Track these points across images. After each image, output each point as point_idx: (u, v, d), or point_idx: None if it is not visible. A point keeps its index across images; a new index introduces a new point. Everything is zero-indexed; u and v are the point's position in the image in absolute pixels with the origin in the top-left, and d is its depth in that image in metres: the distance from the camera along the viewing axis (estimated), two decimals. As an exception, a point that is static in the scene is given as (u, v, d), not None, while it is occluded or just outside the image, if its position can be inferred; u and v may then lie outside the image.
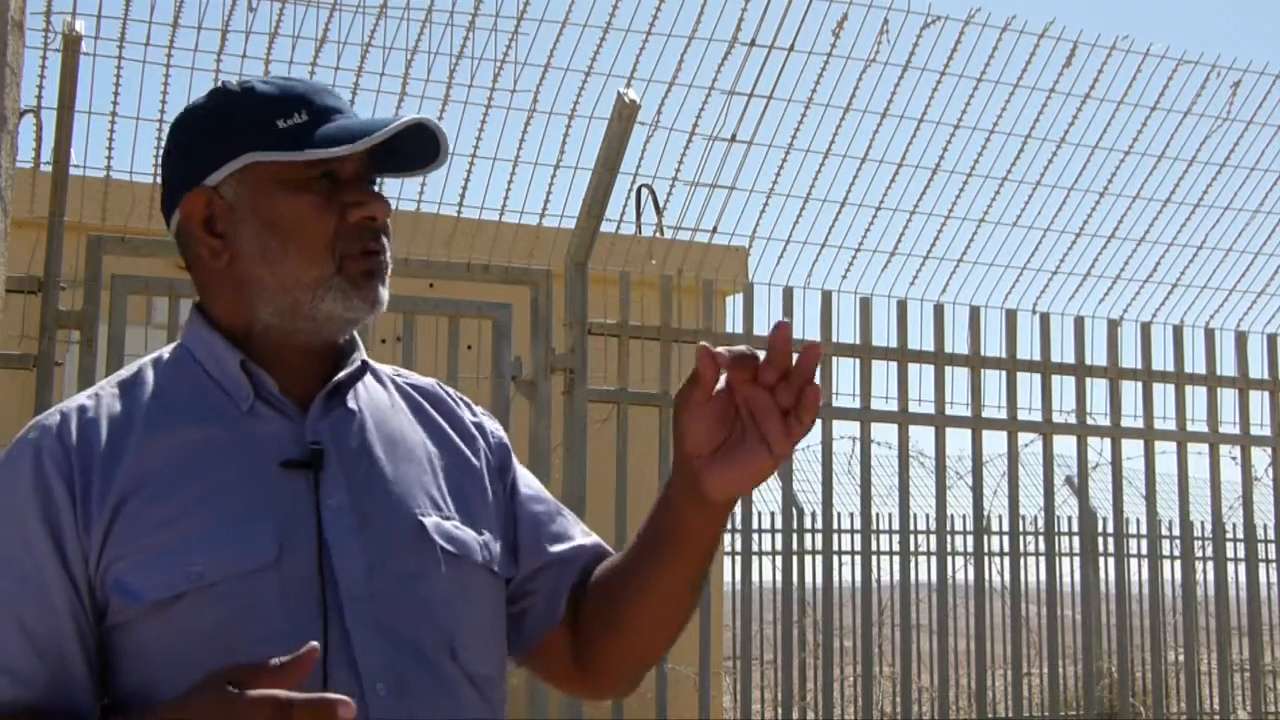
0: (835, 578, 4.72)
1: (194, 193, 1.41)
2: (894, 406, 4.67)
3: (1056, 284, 4.98)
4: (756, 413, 1.28)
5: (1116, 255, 5.03)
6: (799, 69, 4.28)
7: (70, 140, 3.71)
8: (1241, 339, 5.26)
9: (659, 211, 5.19)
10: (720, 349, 1.27)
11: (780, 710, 4.75)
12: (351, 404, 1.42)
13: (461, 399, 1.57)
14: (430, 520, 1.39)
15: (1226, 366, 5.22)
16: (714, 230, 4.46)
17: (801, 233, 4.52)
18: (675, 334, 4.35)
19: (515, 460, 1.56)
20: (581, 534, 1.56)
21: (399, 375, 1.54)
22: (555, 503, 1.58)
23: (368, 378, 1.48)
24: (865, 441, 4.62)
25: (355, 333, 1.47)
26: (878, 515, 8.81)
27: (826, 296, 4.58)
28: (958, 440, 14.97)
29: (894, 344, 4.69)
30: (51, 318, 3.73)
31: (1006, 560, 6.19)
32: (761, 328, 4.49)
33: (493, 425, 1.56)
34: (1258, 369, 5.29)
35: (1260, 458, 5.49)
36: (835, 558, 4.76)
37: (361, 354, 1.46)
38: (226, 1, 3.77)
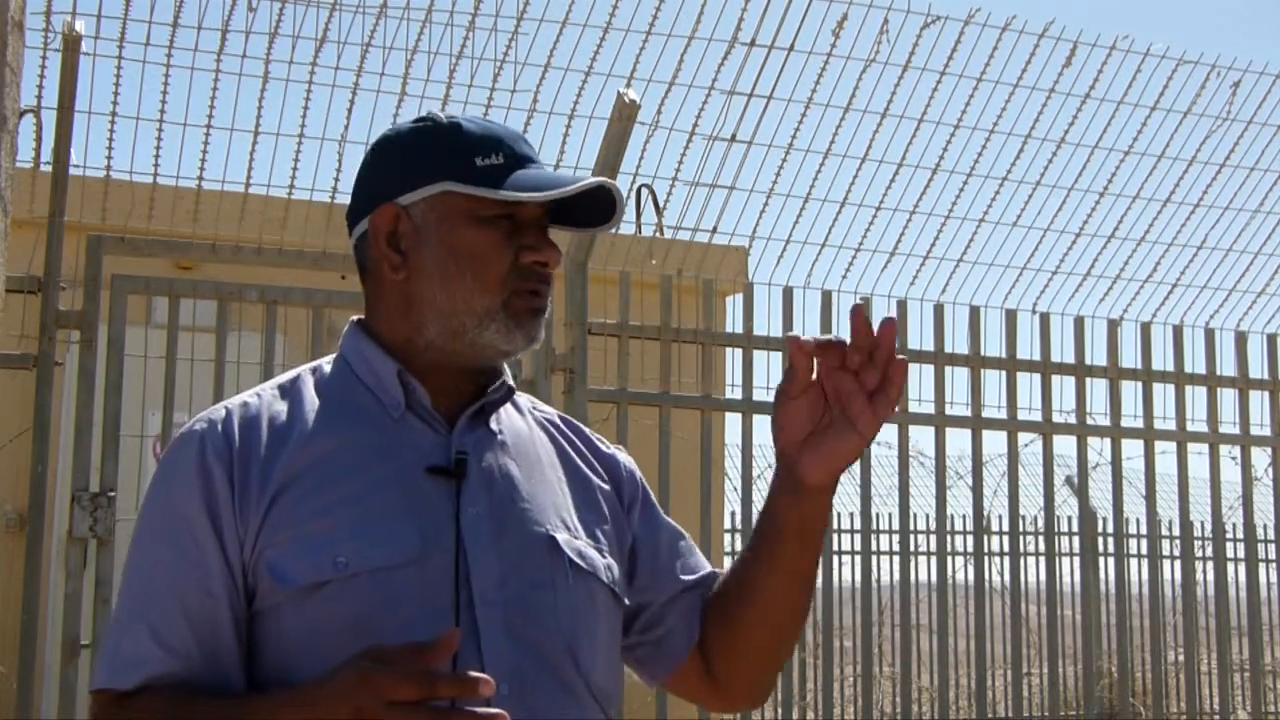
0: (835, 577, 4.72)
1: (385, 207, 1.49)
2: (894, 406, 4.67)
3: (1056, 284, 4.99)
4: (844, 397, 1.40)
5: (1116, 255, 5.04)
6: (799, 69, 4.29)
7: (70, 140, 3.71)
8: (1241, 339, 5.26)
9: (659, 211, 5.18)
10: (807, 337, 1.39)
11: (780, 710, 4.75)
12: (493, 425, 1.51)
13: (593, 434, 1.66)
14: (561, 536, 1.47)
15: (1226, 366, 5.23)
16: (714, 230, 4.47)
17: (801, 233, 4.53)
18: (675, 334, 4.35)
19: (647, 493, 1.65)
20: (708, 561, 1.67)
21: (536, 407, 1.63)
22: (682, 532, 1.67)
23: (508, 403, 1.57)
24: (865, 441, 4.61)
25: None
26: (878, 515, 8.81)
27: (826, 296, 4.58)
28: (958, 440, 14.98)
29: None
30: (51, 318, 3.73)
31: (1006, 560, 6.18)
32: (761, 328, 4.49)
33: (625, 459, 1.65)
34: (1258, 369, 5.29)
35: (1260, 458, 5.50)
36: (835, 557, 4.77)
37: (508, 379, 1.54)
38: (226, 1, 3.77)
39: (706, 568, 1.64)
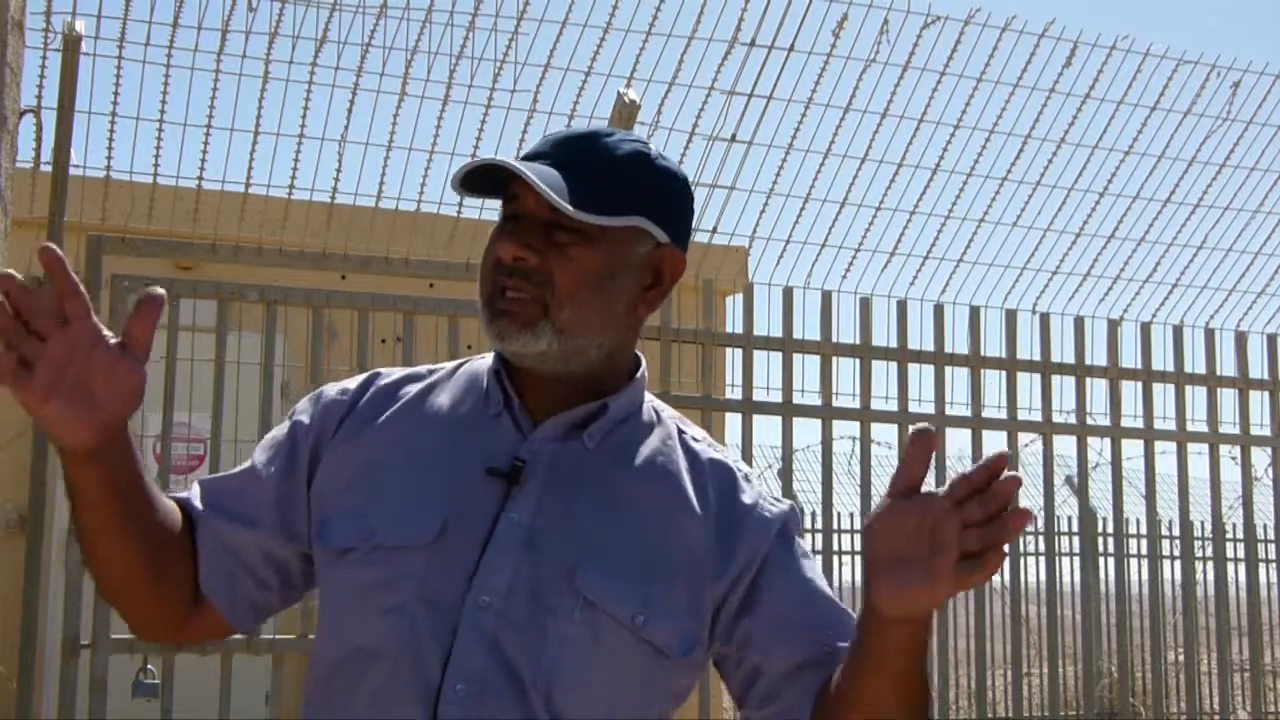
0: (835, 578, 4.72)
1: None
2: (894, 406, 4.67)
3: (1056, 284, 4.99)
4: (938, 540, 1.20)
5: (1116, 255, 5.04)
6: (799, 69, 4.29)
7: (70, 140, 3.71)
8: (1241, 339, 5.26)
9: (659, 211, 5.18)
10: (924, 426, 1.22)
11: (780, 710, 4.75)
12: (590, 442, 1.47)
13: (760, 490, 1.54)
14: (591, 568, 1.39)
15: (1226, 366, 5.23)
16: (714, 230, 4.47)
17: (801, 233, 4.53)
18: (675, 334, 4.35)
19: (791, 549, 1.50)
20: (842, 634, 1.45)
21: (699, 441, 1.55)
22: (825, 595, 1.50)
23: (641, 426, 1.51)
24: (865, 441, 4.63)
25: (640, 379, 1.53)
26: (878, 515, 8.81)
27: (826, 296, 4.58)
28: (958, 440, 14.97)
29: (894, 344, 4.69)
30: (51, 318, 3.73)
31: (1006, 560, 6.18)
32: (761, 328, 4.49)
33: (775, 521, 1.50)
34: (1258, 369, 5.29)
35: (1260, 458, 5.49)
36: (835, 558, 4.76)
37: (624, 400, 1.50)
38: (226, 1, 3.77)
39: (836, 641, 1.43)
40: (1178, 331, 5.13)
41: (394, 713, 1.35)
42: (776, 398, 4.50)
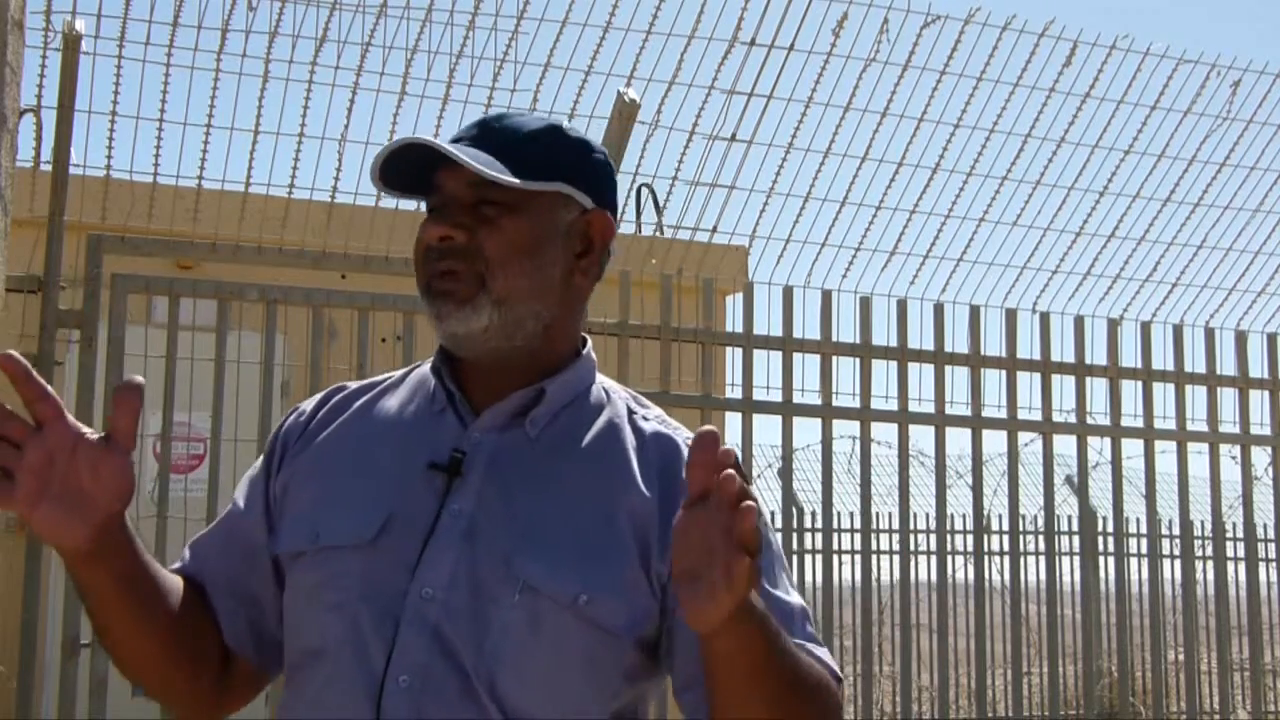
0: (835, 577, 4.72)
1: None
2: (894, 406, 4.68)
3: (1056, 283, 4.99)
4: (715, 549, 1.15)
5: (1116, 255, 5.04)
6: (799, 68, 4.29)
7: (70, 140, 3.71)
8: (1241, 338, 5.27)
9: (659, 211, 5.19)
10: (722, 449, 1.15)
11: (780, 710, 4.74)
12: (532, 430, 1.47)
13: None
14: (530, 553, 1.39)
15: (1226, 366, 5.23)
16: (714, 230, 4.47)
17: (801, 232, 4.53)
18: (675, 334, 4.35)
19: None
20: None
21: (649, 419, 1.53)
22: (786, 616, 1.42)
23: (588, 408, 1.51)
24: (865, 441, 4.63)
25: (583, 362, 1.53)
26: (878, 515, 8.81)
27: (826, 296, 4.58)
28: (958, 440, 14.95)
29: (894, 343, 4.69)
30: (51, 317, 3.73)
31: (1006, 560, 6.19)
32: (761, 327, 4.49)
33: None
34: (1258, 368, 5.29)
35: (1260, 457, 5.50)
36: (835, 557, 4.76)
37: (564, 383, 1.49)
38: (226, 1, 3.77)
39: None
40: (1178, 331, 5.13)
41: (339, 707, 1.36)
42: (776, 397, 4.50)
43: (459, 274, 1.44)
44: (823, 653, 1.42)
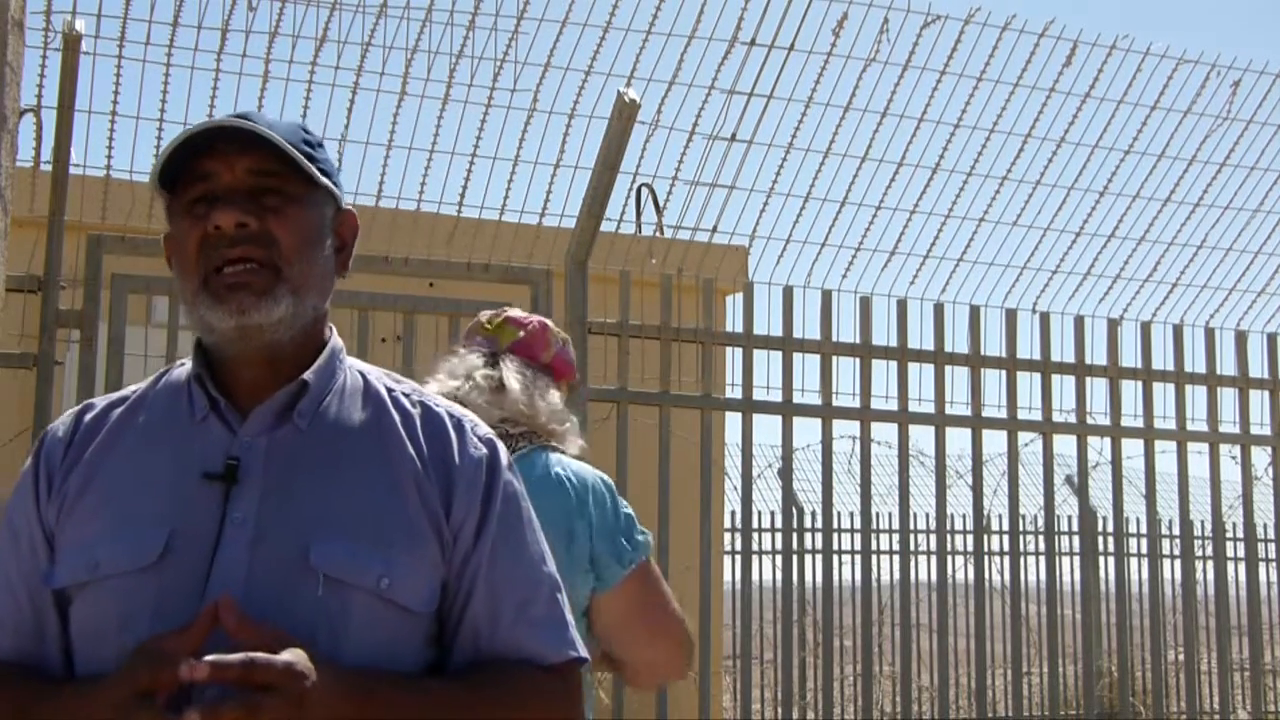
0: (835, 577, 4.72)
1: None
2: (894, 406, 4.68)
3: (1056, 283, 4.99)
4: None
5: (1116, 255, 5.04)
6: (799, 68, 4.29)
7: (70, 140, 3.71)
8: (1241, 338, 5.27)
9: (659, 211, 5.19)
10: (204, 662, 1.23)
11: (780, 709, 4.75)
12: (301, 421, 1.45)
13: (475, 433, 1.53)
14: (324, 545, 1.39)
15: (1226, 366, 5.23)
16: (714, 230, 4.47)
17: (801, 232, 4.53)
18: (675, 333, 4.35)
19: (506, 520, 1.49)
20: (541, 642, 1.48)
21: (408, 395, 1.54)
22: (532, 595, 1.49)
23: (349, 393, 1.50)
24: (865, 441, 4.62)
25: (333, 348, 1.51)
26: (878, 515, 8.82)
27: (826, 296, 4.58)
28: (958, 440, 14.99)
29: (894, 343, 4.69)
30: (51, 317, 3.73)
31: (1006, 560, 6.18)
32: (761, 327, 4.49)
33: (482, 464, 1.50)
34: (1258, 368, 5.29)
35: (1260, 457, 5.50)
36: (835, 557, 4.76)
37: (322, 371, 1.48)
38: (226, 1, 3.77)
39: (522, 649, 1.47)
40: (1178, 331, 5.13)
41: None
42: (776, 397, 4.50)
43: (256, 264, 1.42)
44: (547, 636, 1.48)
